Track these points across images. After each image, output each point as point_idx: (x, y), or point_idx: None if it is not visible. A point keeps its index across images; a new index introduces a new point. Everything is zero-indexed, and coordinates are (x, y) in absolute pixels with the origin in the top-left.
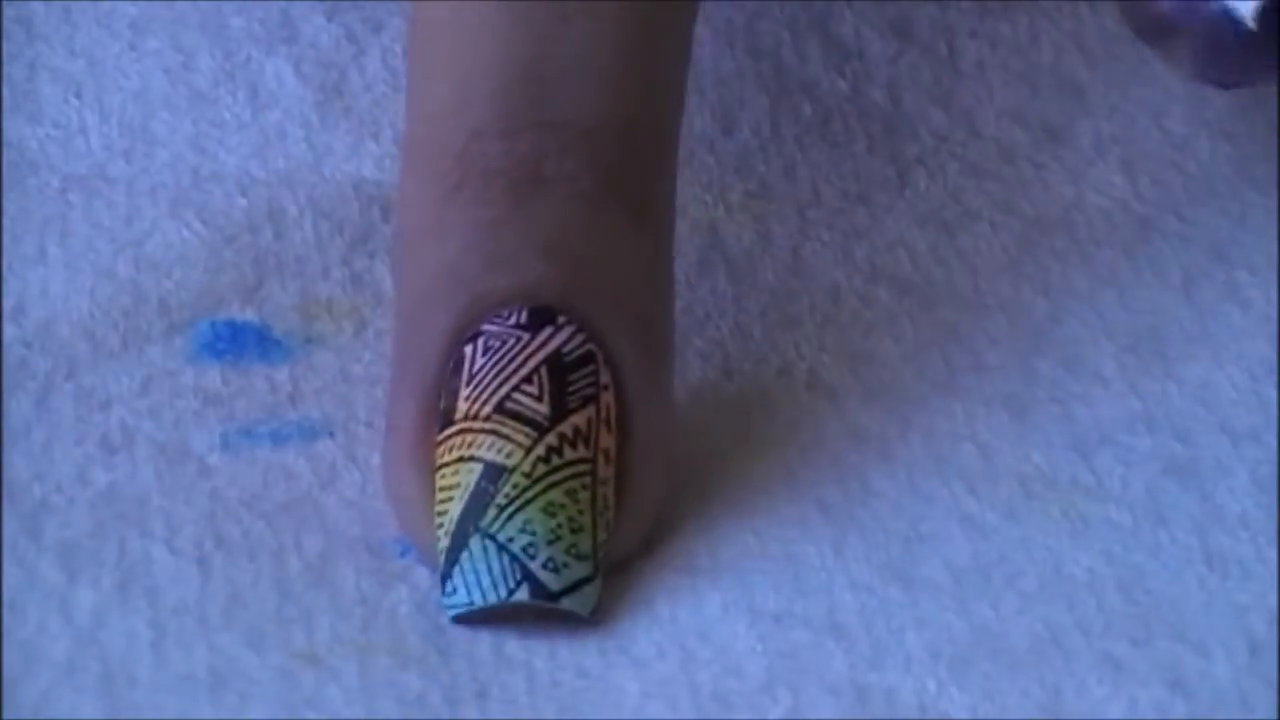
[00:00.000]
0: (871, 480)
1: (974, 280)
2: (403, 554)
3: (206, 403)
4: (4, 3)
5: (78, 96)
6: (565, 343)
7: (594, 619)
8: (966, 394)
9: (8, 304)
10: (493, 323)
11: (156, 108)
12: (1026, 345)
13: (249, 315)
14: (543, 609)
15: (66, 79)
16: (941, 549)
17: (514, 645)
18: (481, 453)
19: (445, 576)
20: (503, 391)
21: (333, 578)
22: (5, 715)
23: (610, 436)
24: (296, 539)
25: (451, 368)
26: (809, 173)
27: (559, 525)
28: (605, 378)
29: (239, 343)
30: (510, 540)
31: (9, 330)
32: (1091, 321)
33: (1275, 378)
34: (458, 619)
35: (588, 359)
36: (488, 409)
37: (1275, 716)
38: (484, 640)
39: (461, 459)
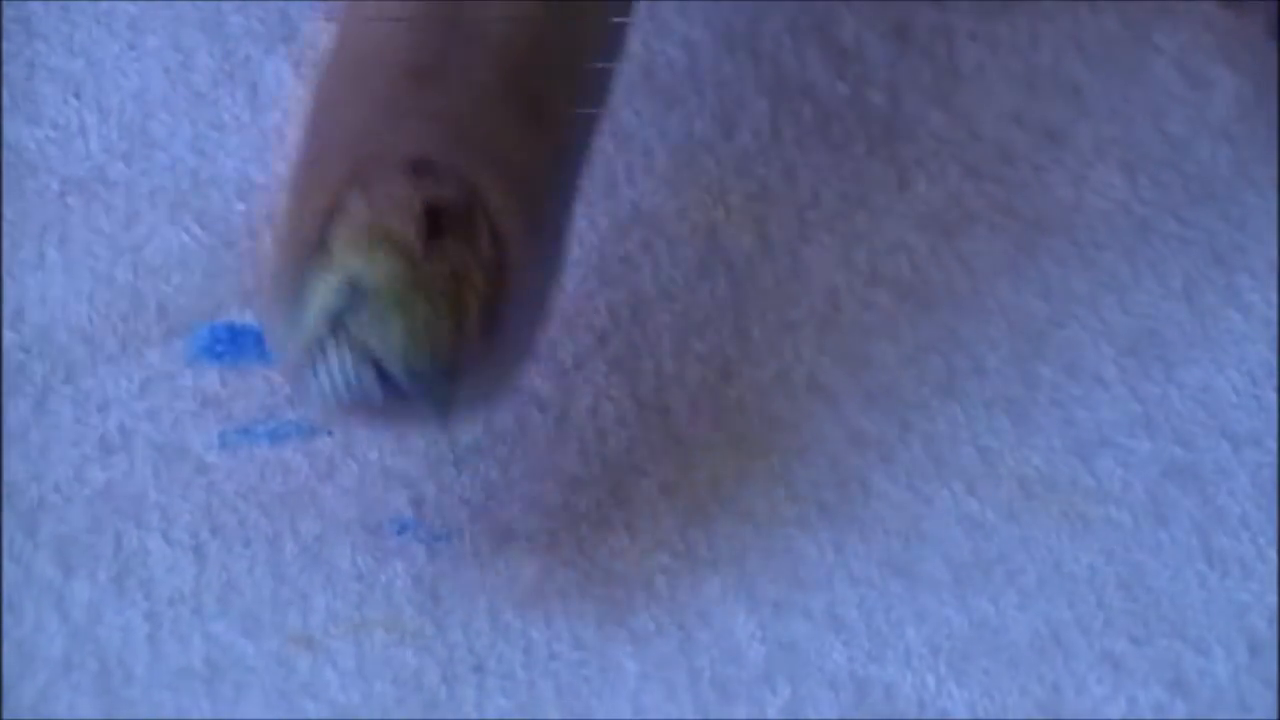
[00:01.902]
0: (872, 482)
1: (974, 283)
2: (400, 531)
3: (205, 404)
4: (3, 2)
5: (77, 96)
6: (445, 188)
7: (447, 423)
8: (966, 397)
9: (6, 309)
10: (376, 172)
11: (156, 108)
12: (1027, 348)
13: (248, 318)
14: (398, 408)
15: (65, 78)
16: (942, 546)
17: (510, 615)
18: (351, 264)
19: (303, 380)
20: (379, 219)
21: (329, 557)
22: (4, 716)
23: (482, 275)
24: (293, 524)
25: (334, 209)
26: (809, 175)
27: (419, 333)
28: (483, 223)
29: (238, 345)
30: (371, 345)
31: (7, 336)
32: (1092, 325)
33: (1276, 381)
34: (315, 420)
35: (466, 205)
36: (361, 233)
37: (1275, 717)
38: (480, 610)
39: (332, 271)
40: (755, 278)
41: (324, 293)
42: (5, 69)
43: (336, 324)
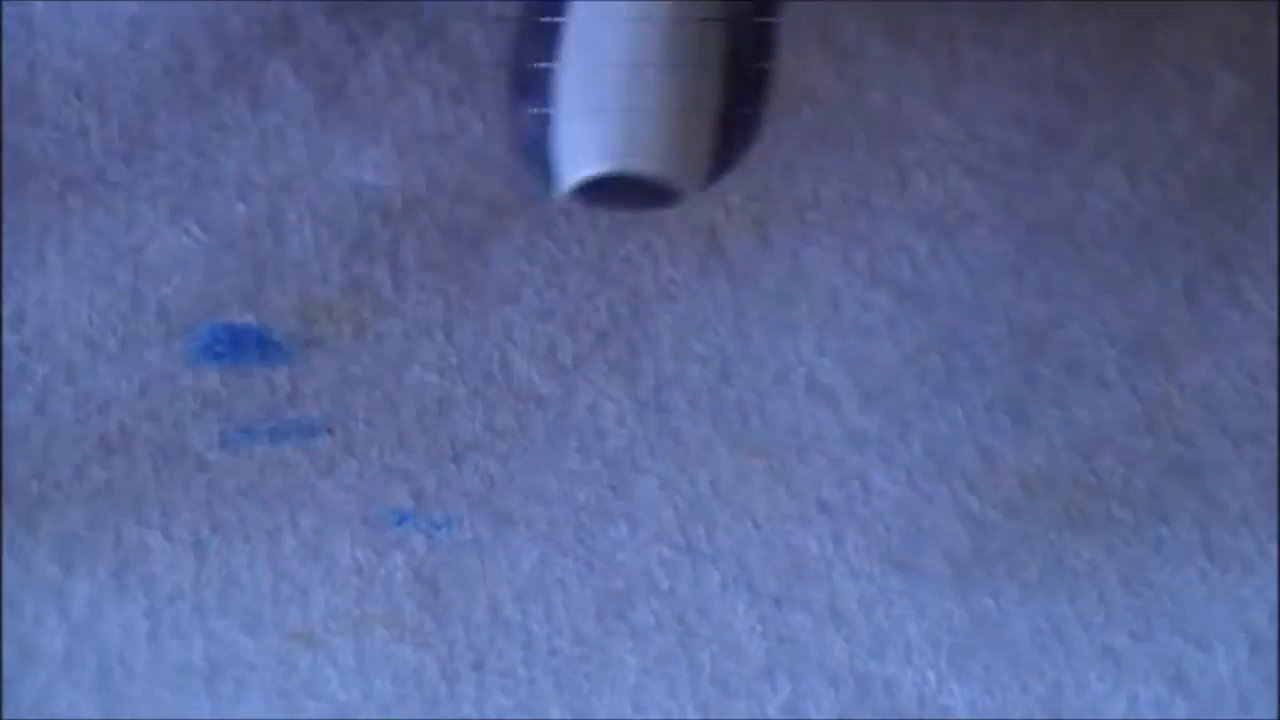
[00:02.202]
0: (872, 480)
1: (974, 284)
2: (399, 522)
3: (205, 404)
4: (4, 1)
5: (77, 97)
6: None
7: None
8: (967, 397)
9: (7, 311)
10: None
11: (156, 109)
12: (1027, 349)
13: (248, 319)
14: None
15: (66, 78)
16: (942, 542)
17: (510, 608)
18: None
19: None
20: None
21: (329, 551)
22: (5, 713)
23: None
24: (292, 519)
25: None
26: (809, 175)
27: None
28: None
29: (238, 345)
30: None
31: (8, 337)
32: (1092, 325)
33: (1276, 380)
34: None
35: None
36: None
37: (1276, 715)
38: (480, 603)
39: None
40: (755, 279)
41: None
42: (5, 69)
43: None
